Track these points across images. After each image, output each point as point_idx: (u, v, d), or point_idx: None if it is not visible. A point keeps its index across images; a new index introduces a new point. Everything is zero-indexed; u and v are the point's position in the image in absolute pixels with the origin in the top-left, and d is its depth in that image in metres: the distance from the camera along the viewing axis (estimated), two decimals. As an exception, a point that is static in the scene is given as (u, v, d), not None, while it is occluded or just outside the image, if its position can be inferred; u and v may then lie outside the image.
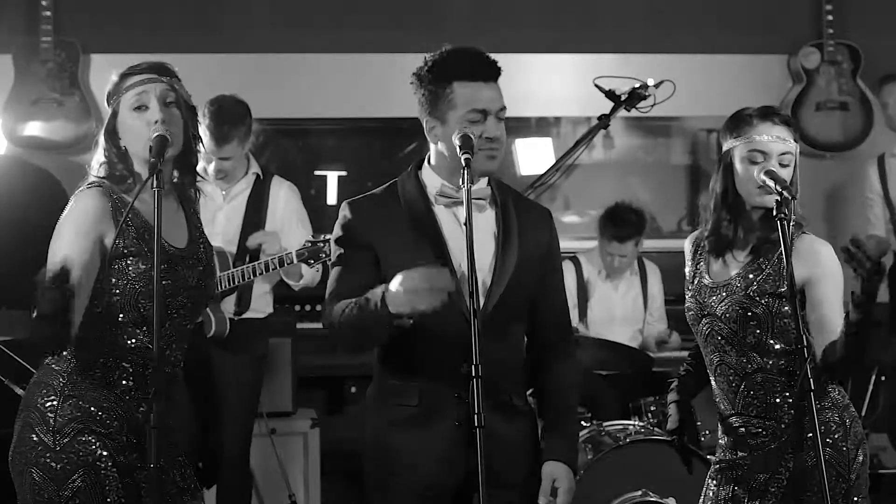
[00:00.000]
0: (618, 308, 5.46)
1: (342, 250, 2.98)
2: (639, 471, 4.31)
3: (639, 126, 6.77)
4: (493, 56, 2.98)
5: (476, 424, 2.64)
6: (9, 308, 5.20)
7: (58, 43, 6.10)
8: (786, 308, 2.98)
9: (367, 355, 3.07)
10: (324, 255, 4.39)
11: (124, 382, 2.80)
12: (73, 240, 2.74)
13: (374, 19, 6.45)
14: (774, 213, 2.89)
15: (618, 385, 5.08)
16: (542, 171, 5.00)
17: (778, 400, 3.02)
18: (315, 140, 6.88)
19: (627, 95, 4.88)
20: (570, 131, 6.72)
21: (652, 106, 4.90)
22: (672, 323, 5.50)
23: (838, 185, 6.58)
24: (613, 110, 4.91)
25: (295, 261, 4.44)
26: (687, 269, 3.21)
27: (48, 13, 6.06)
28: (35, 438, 2.75)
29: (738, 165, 3.04)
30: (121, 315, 2.79)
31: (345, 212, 3.00)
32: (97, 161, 2.87)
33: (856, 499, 3.02)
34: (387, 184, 3.07)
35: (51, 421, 2.75)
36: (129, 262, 2.79)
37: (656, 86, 4.87)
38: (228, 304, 4.69)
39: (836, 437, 3.00)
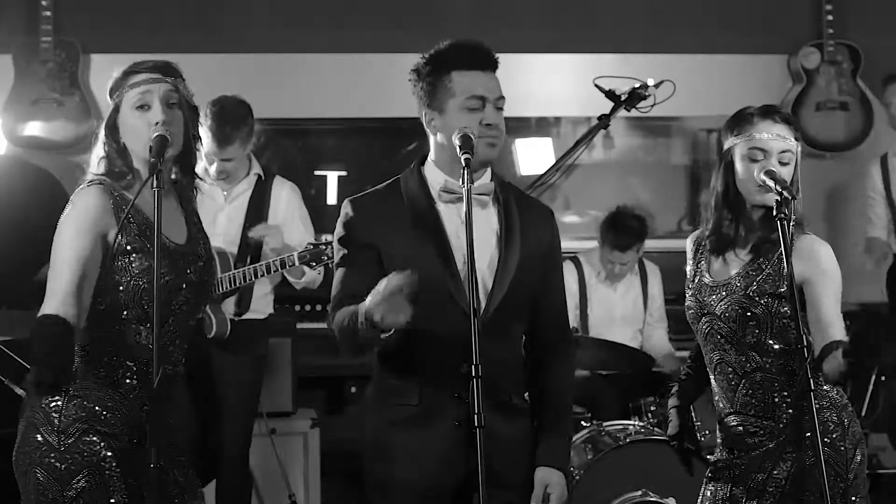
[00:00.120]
0: (618, 308, 5.45)
1: (345, 251, 2.96)
2: (639, 471, 4.31)
3: (639, 126, 6.77)
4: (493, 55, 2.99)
5: (476, 424, 2.64)
6: (9, 308, 5.20)
7: (58, 43, 6.10)
8: (784, 309, 2.98)
9: (367, 355, 3.07)
10: (325, 258, 4.39)
11: (128, 381, 2.80)
12: (74, 238, 2.74)
13: (374, 19, 6.45)
14: (774, 213, 2.90)
15: (618, 385, 5.08)
16: (542, 171, 4.99)
17: (777, 399, 3.02)
18: (315, 140, 6.88)
19: (627, 95, 4.88)
20: (570, 131, 6.72)
21: (652, 106, 4.90)
22: (672, 323, 5.50)
23: (838, 185, 6.58)
24: (613, 110, 4.91)
25: (297, 263, 4.44)
26: (688, 268, 3.22)
27: (48, 13, 6.07)
28: (39, 439, 2.75)
29: (738, 163, 3.05)
30: (125, 312, 2.79)
31: (347, 210, 2.99)
32: (96, 155, 2.87)
33: (854, 498, 3.01)
34: (389, 181, 3.06)
35: (55, 421, 2.75)
36: (132, 258, 2.79)
37: (656, 86, 4.87)
38: (229, 305, 4.69)
39: (834, 436, 3.00)
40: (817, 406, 2.91)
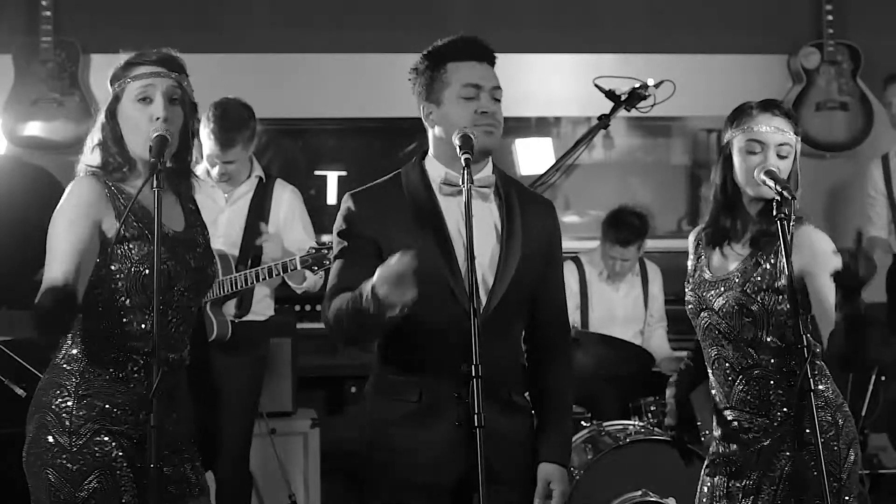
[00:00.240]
0: (619, 308, 5.45)
1: (345, 243, 2.96)
2: (639, 471, 4.31)
3: (639, 126, 6.77)
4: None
5: (476, 424, 2.64)
6: (9, 308, 5.19)
7: (58, 43, 6.10)
8: (780, 306, 2.98)
9: (367, 355, 3.06)
10: (327, 262, 4.38)
11: (136, 376, 2.80)
12: (69, 226, 2.73)
13: (374, 19, 6.45)
14: (774, 213, 2.90)
15: (618, 385, 5.08)
16: (542, 171, 4.99)
17: (772, 397, 3.02)
18: (315, 140, 6.87)
19: (627, 95, 4.88)
20: (570, 131, 6.72)
21: (652, 106, 4.90)
22: (672, 323, 5.50)
23: (838, 185, 6.58)
24: (613, 110, 4.91)
25: (298, 267, 4.44)
26: (689, 263, 3.23)
27: (48, 13, 6.06)
28: (51, 440, 2.75)
29: (736, 156, 3.06)
30: (127, 301, 2.78)
31: (347, 203, 2.99)
32: (91, 142, 2.87)
33: (847, 498, 3.01)
34: (390, 174, 3.06)
35: (66, 422, 2.75)
36: (130, 245, 2.78)
37: (656, 86, 4.87)
38: (229, 308, 4.69)
39: (827, 436, 3.00)
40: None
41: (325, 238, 4.70)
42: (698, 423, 4.16)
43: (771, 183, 2.94)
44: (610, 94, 4.89)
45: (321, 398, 6.09)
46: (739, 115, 3.09)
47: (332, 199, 6.55)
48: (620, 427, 4.57)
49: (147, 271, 2.76)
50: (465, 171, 2.78)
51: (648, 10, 6.64)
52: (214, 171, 4.66)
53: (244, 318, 4.72)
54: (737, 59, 6.58)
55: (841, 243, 2.84)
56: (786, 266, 2.88)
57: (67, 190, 2.82)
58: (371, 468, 2.99)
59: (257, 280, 4.50)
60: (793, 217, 2.92)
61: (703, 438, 4.41)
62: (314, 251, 4.43)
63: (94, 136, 2.87)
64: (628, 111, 4.93)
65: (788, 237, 2.88)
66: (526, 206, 3.03)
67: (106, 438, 2.76)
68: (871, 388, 5.65)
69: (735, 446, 3.08)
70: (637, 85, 4.88)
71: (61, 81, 6.09)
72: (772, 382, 3.02)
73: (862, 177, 6.08)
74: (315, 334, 5.52)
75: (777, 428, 3.02)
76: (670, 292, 5.47)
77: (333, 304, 2.85)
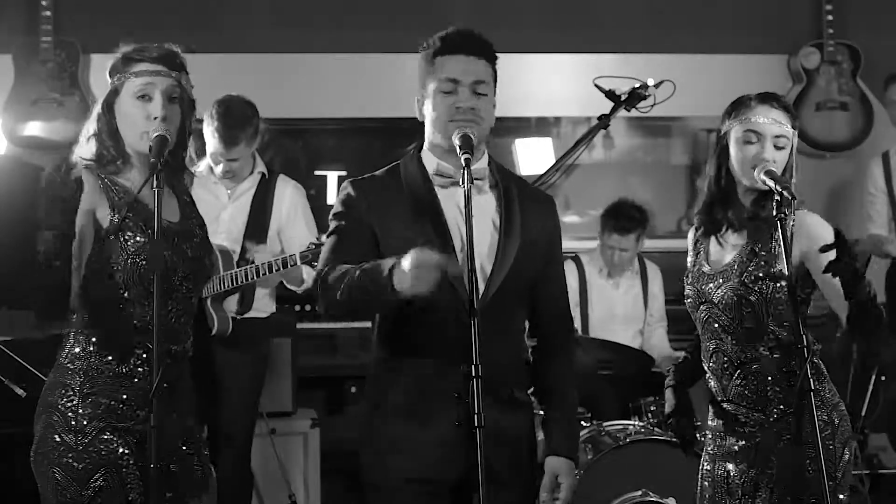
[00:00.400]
0: (619, 307, 5.46)
1: (342, 223, 2.94)
2: (639, 471, 4.31)
3: (639, 126, 6.77)
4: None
5: (476, 424, 2.64)
6: (9, 308, 5.20)
7: (58, 43, 6.10)
8: (780, 295, 2.97)
9: (367, 355, 3.06)
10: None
11: (140, 369, 2.81)
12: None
13: (374, 19, 6.45)
14: (774, 213, 2.90)
15: (618, 385, 5.08)
16: (542, 171, 4.99)
17: (770, 394, 3.02)
18: (315, 140, 6.87)
19: (627, 95, 4.88)
20: (570, 131, 6.72)
21: (652, 106, 4.90)
22: (672, 323, 5.50)
23: (838, 185, 6.58)
24: (613, 110, 4.91)
25: (298, 262, 4.44)
26: (689, 259, 3.23)
27: (48, 13, 6.07)
28: (57, 439, 2.76)
29: (732, 146, 3.08)
30: (125, 293, 2.79)
31: (347, 189, 2.99)
32: (87, 132, 2.87)
33: (841, 497, 3.02)
34: (389, 165, 3.07)
35: (72, 421, 2.76)
36: (126, 236, 2.79)
37: (656, 86, 4.87)
38: (231, 304, 4.69)
39: (823, 434, 2.99)
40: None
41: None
42: (698, 424, 4.16)
43: (771, 183, 2.94)
44: (610, 94, 4.89)
45: (321, 398, 6.09)
46: (738, 106, 3.10)
47: (332, 199, 6.54)
48: (620, 427, 4.57)
49: (143, 262, 2.77)
50: (465, 171, 2.77)
51: (648, 10, 6.64)
52: (218, 169, 4.67)
53: (246, 315, 4.72)
54: (737, 59, 6.59)
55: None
56: (786, 266, 2.88)
57: None
58: (369, 464, 2.98)
59: (257, 275, 4.50)
60: (793, 218, 2.93)
61: (701, 439, 4.41)
62: (314, 246, 4.43)
63: (90, 126, 2.87)
64: (628, 111, 4.92)
65: (789, 238, 2.88)
66: (525, 198, 3.04)
67: (112, 436, 2.77)
68: (871, 388, 5.65)
69: (733, 439, 3.08)
70: (637, 85, 4.88)
71: (61, 81, 6.09)
72: (770, 379, 3.02)
73: (862, 177, 6.08)
74: (315, 334, 5.52)
75: (773, 423, 3.02)
76: (670, 292, 5.47)
77: (338, 269, 2.80)
